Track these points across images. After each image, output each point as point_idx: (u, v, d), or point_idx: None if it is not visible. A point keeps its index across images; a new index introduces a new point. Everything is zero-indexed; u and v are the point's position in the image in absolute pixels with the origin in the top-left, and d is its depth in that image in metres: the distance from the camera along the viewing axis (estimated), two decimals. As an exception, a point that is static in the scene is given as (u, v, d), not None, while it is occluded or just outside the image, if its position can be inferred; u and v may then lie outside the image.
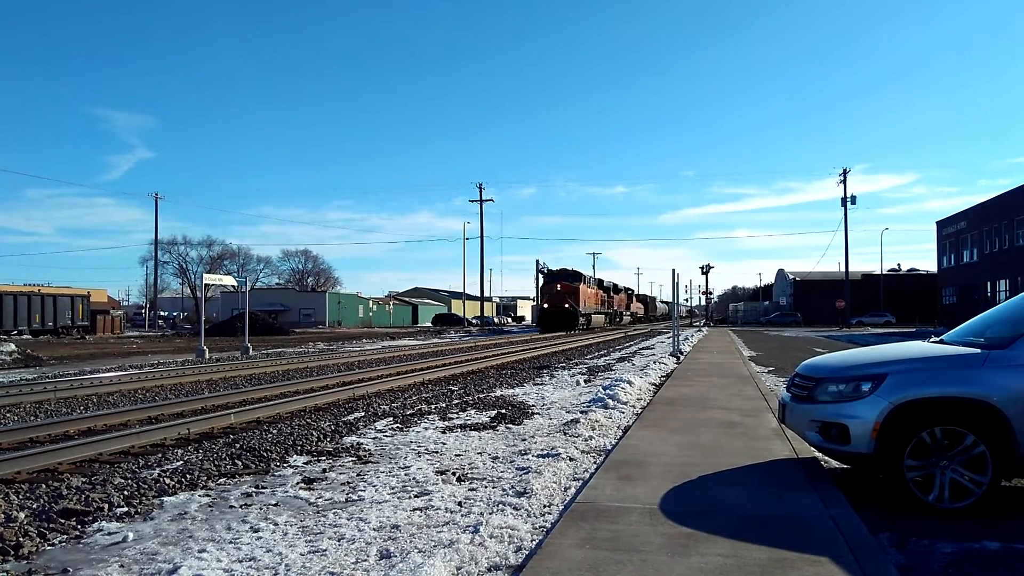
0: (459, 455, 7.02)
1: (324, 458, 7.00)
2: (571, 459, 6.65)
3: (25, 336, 41.64)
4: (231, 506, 5.29)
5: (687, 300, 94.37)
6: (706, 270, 78.02)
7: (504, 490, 5.54)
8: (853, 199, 61.50)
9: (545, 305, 50.70)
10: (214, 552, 4.20)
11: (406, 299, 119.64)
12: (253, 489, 5.79)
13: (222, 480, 6.13)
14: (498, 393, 12.38)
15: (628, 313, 78.69)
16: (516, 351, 25.28)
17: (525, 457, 6.76)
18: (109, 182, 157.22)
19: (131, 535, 4.58)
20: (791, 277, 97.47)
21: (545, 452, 6.91)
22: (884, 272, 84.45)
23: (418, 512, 5.00)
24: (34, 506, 5.22)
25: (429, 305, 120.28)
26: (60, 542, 4.52)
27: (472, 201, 64.77)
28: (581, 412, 9.51)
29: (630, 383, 12.25)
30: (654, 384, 13.46)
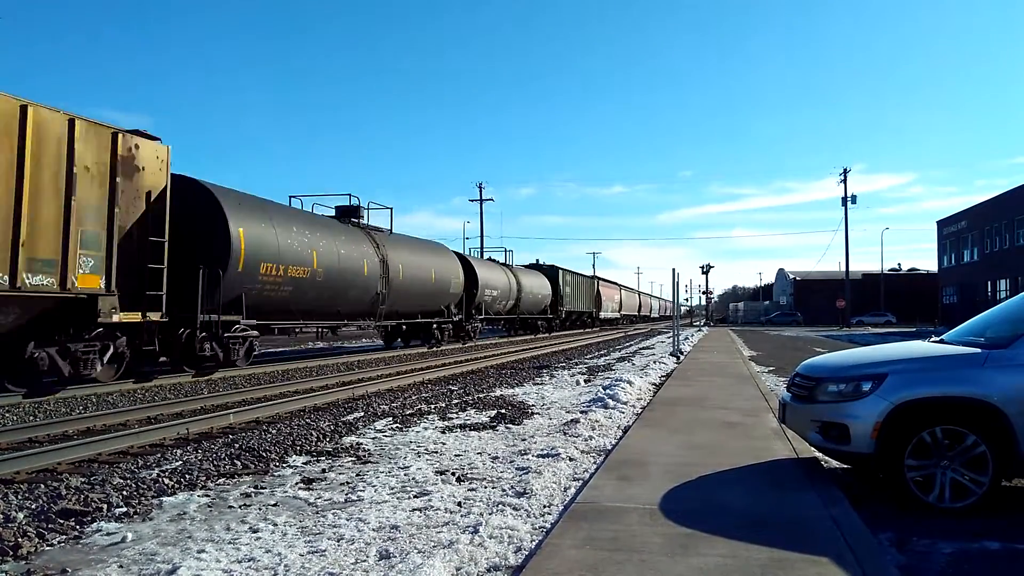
0: (459, 455, 7.01)
1: (323, 458, 6.98)
2: (571, 459, 6.64)
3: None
4: (230, 506, 5.28)
5: (687, 299, 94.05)
6: (706, 270, 78.07)
7: (504, 490, 5.53)
8: (853, 199, 61.51)
9: None
10: (213, 552, 4.19)
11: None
12: (252, 489, 5.78)
13: (221, 480, 6.12)
14: (498, 393, 12.37)
15: None
16: (516, 351, 25.27)
17: (525, 457, 6.75)
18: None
19: (130, 535, 4.57)
20: (791, 277, 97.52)
21: (545, 452, 6.90)
22: (884, 272, 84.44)
23: (417, 512, 4.99)
24: (33, 506, 5.20)
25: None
26: (59, 542, 4.50)
27: (472, 201, 64.64)
28: (581, 412, 9.50)
29: (630, 383, 12.25)
30: (654, 384, 13.45)
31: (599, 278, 60.57)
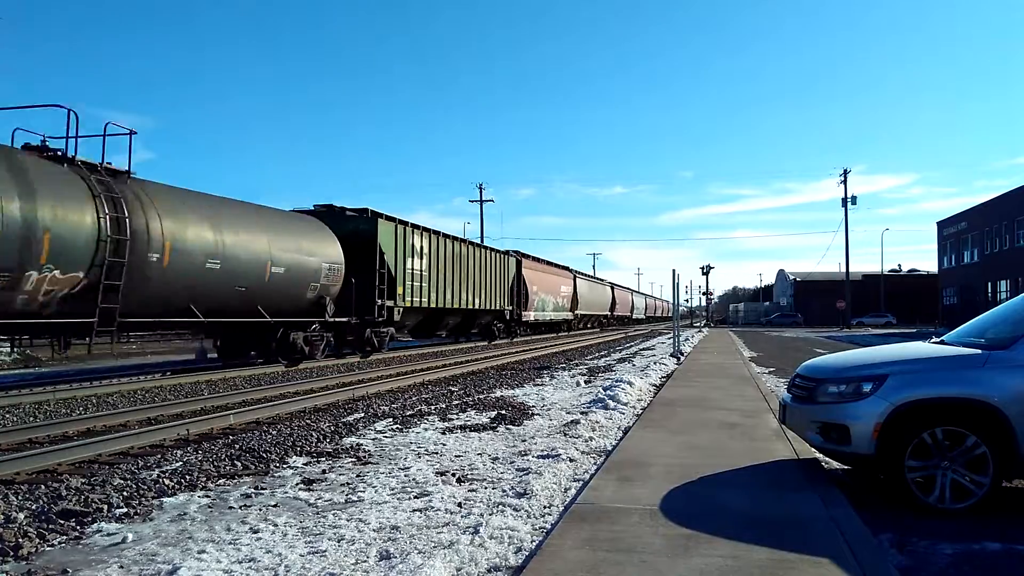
0: (459, 456, 7.01)
1: (324, 459, 6.98)
2: (571, 460, 6.64)
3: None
4: (230, 507, 5.27)
5: (687, 300, 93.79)
6: (706, 271, 77.97)
7: (504, 491, 5.53)
8: (854, 199, 61.40)
9: None
10: (214, 553, 4.19)
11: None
12: (252, 490, 5.78)
13: (221, 481, 6.12)
14: (498, 394, 12.37)
15: None
16: (516, 351, 25.27)
17: (525, 458, 6.75)
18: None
19: (130, 536, 4.57)
20: (792, 278, 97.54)
21: (545, 453, 6.90)
22: (885, 273, 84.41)
23: (418, 513, 4.99)
24: (33, 507, 5.20)
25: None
26: (59, 543, 4.50)
27: (472, 201, 64.28)
28: (581, 413, 9.49)
29: (630, 384, 12.24)
30: (654, 385, 13.44)
31: (523, 254, 36.75)
